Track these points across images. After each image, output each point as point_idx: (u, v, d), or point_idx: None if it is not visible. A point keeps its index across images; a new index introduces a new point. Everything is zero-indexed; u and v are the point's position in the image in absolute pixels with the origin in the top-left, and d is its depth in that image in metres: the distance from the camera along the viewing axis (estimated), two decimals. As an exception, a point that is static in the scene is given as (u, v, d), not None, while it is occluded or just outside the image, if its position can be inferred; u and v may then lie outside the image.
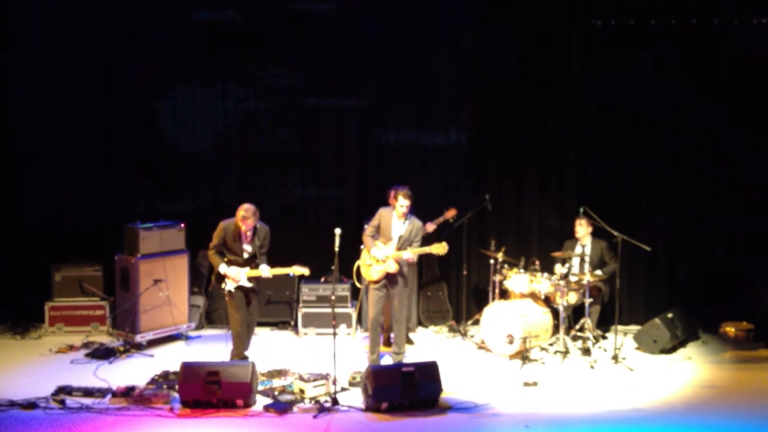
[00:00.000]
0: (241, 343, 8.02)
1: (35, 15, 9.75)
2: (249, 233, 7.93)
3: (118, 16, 9.82)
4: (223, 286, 7.96)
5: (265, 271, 7.94)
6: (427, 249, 8.06)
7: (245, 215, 7.78)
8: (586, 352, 8.78)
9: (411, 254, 8.02)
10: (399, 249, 8.04)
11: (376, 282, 8.13)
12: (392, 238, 8.07)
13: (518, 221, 10.13)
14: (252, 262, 7.98)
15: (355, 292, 9.61)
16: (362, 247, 8.66)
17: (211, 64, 10.00)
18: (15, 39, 9.79)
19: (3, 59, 9.78)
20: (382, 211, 8.16)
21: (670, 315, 9.15)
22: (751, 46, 9.64)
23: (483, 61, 9.94)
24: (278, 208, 9.75)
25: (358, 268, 8.42)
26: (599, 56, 9.79)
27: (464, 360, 8.77)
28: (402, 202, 7.99)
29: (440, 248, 8.07)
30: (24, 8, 9.75)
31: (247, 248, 7.97)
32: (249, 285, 7.99)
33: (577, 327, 9.11)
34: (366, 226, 8.65)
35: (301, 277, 9.66)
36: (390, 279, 8.10)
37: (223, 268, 7.91)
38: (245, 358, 8.02)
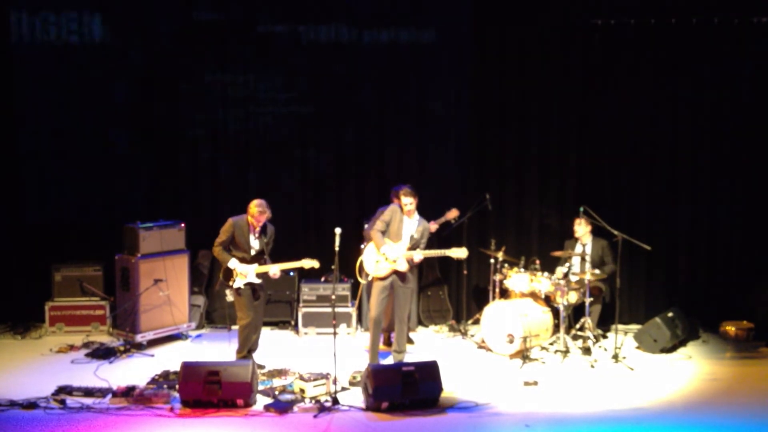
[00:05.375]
0: (247, 343, 8.03)
1: (35, 12, 9.75)
2: (258, 229, 7.93)
3: (119, 11, 9.84)
4: (231, 283, 7.96)
5: (273, 268, 7.95)
6: (446, 252, 8.07)
7: (262, 210, 7.80)
8: (587, 351, 8.78)
9: (421, 255, 8.01)
10: (410, 249, 8.03)
11: (383, 279, 8.11)
12: (402, 237, 8.06)
13: (518, 221, 10.13)
14: (260, 258, 8.00)
15: (355, 291, 9.61)
16: (363, 246, 8.66)
17: (213, 61, 10.02)
18: (14, 36, 9.79)
19: (3, 58, 9.79)
20: (395, 209, 8.10)
21: (670, 314, 9.16)
22: (751, 45, 9.65)
23: (483, 60, 9.94)
24: (278, 207, 9.74)
25: (361, 263, 8.41)
26: (599, 56, 9.79)
27: (464, 359, 8.77)
28: (405, 201, 7.98)
29: (460, 252, 8.06)
30: (23, 7, 9.75)
31: (255, 245, 7.98)
32: (258, 281, 8.02)
33: (578, 326, 9.11)
34: (368, 225, 8.65)
35: (301, 277, 9.70)
36: (399, 275, 8.09)
37: (233, 263, 7.91)
38: (250, 357, 8.03)
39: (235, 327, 8.17)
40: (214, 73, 10.04)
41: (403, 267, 8.04)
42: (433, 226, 9.04)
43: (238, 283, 7.94)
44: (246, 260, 7.96)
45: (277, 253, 8.25)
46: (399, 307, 8.16)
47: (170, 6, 9.93)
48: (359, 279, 8.74)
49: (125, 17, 9.85)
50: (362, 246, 8.77)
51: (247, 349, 8.04)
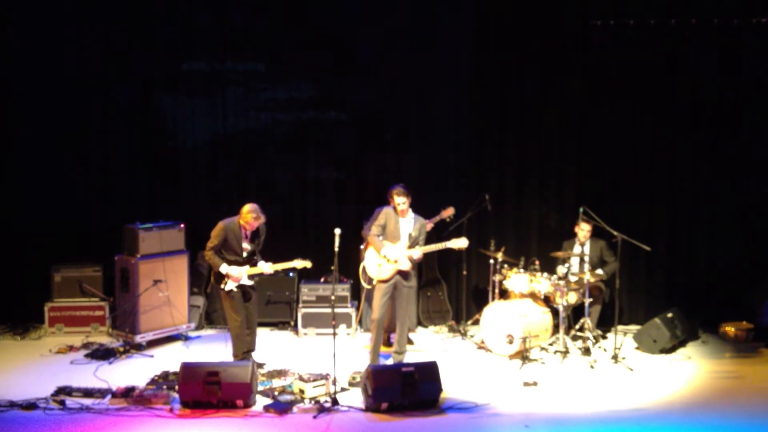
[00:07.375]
0: (241, 344, 8.03)
1: (35, 13, 9.76)
2: (250, 232, 7.95)
3: (119, 14, 9.84)
4: (222, 286, 7.96)
5: (266, 267, 7.96)
6: (446, 244, 8.08)
7: (256, 215, 7.82)
8: (586, 351, 8.78)
9: (420, 252, 8.03)
10: (410, 247, 8.04)
11: (386, 281, 8.10)
12: (401, 238, 8.06)
13: (518, 221, 10.13)
14: (251, 260, 8.00)
15: (355, 293, 9.60)
16: (362, 247, 8.65)
17: (212, 62, 10.02)
18: (14, 35, 9.80)
19: (2, 58, 9.79)
20: (388, 211, 8.12)
21: (670, 315, 9.15)
22: (751, 45, 9.65)
23: (482, 60, 9.94)
24: (277, 208, 9.75)
25: (364, 268, 8.41)
26: (599, 56, 9.80)
27: (464, 360, 8.77)
28: (398, 200, 7.98)
29: (460, 242, 8.10)
30: (24, 7, 9.76)
31: (247, 247, 7.99)
32: (251, 283, 8.04)
33: (577, 327, 9.11)
34: (366, 226, 8.65)
35: (301, 278, 9.69)
36: (403, 274, 8.09)
37: (224, 268, 7.92)
38: (250, 357, 8.02)
39: (233, 328, 8.18)
40: (213, 71, 10.04)
41: (406, 265, 8.04)
42: (428, 226, 9.04)
43: (230, 286, 7.94)
44: (238, 262, 7.97)
45: (277, 253, 8.24)
46: (401, 307, 8.16)
47: (170, 7, 9.93)
48: (363, 284, 8.73)
49: (125, 18, 9.86)
50: (362, 247, 8.77)
51: (242, 350, 8.04)
